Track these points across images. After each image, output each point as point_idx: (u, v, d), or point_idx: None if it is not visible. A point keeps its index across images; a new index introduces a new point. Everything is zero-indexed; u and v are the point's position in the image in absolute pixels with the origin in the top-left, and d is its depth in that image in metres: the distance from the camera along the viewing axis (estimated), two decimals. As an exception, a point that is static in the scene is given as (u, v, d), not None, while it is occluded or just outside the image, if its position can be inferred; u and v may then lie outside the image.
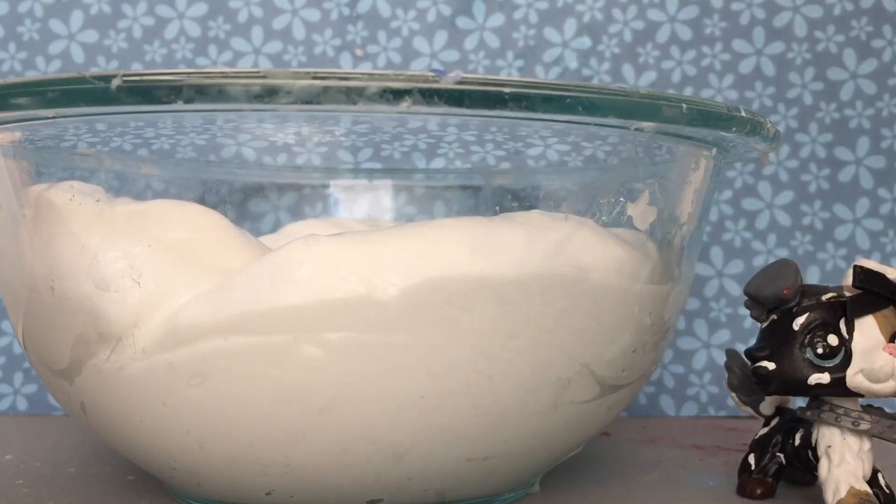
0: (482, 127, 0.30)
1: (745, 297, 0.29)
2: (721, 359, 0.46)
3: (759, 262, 0.46)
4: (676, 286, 0.29)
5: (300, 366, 0.23)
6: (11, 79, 0.26)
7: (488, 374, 0.24)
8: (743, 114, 0.26)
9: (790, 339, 0.27)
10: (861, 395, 0.27)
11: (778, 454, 0.30)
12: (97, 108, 0.22)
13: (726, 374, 0.32)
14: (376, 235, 0.24)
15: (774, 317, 0.28)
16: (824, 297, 0.27)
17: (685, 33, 0.46)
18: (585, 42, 0.46)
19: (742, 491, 0.30)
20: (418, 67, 0.46)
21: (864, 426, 0.27)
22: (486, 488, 0.27)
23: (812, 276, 0.46)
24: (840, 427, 0.28)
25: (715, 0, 0.46)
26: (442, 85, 0.21)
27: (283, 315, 0.23)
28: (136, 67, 0.46)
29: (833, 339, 0.27)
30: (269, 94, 0.21)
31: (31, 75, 0.46)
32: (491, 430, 0.25)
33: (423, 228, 0.25)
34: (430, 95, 0.21)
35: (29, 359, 0.29)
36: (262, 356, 0.23)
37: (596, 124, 0.24)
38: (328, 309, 0.23)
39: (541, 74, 0.46)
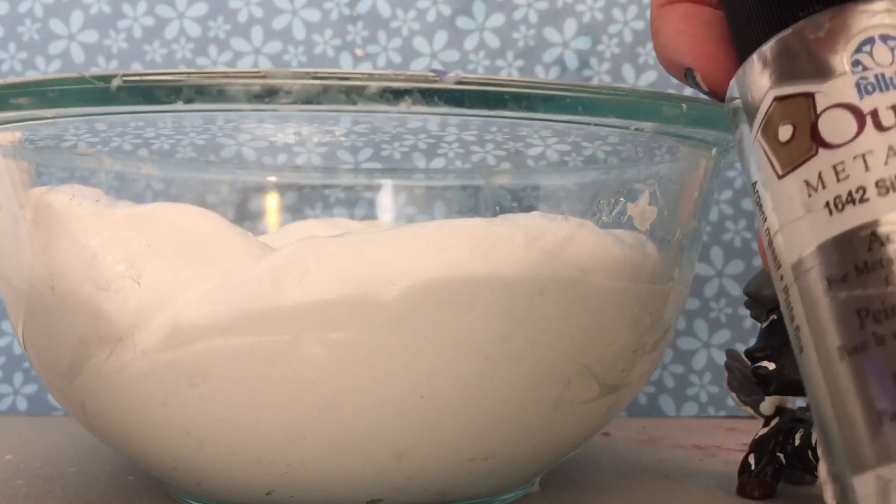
0: (482, 127, 0.30)
1: (745, 297, 0.29)
2: (721, 359, 0.46)
3: (759, 262, 0.46)
4: (676, 286, 0.29)
5: (300, 366, 0.23)
6: (11, 79, 0.26)
7: (488, 374, 0.24)
8: (743, 114, 0.26)
9: (790, 339, 0.27)
10: (861, 395, 0.27)
11: (778, 454, 0.30)
12: (97, 108, 0.22)
13: (726, 374, 0.32)
14: (376, 236, 0.24)
15: (774, 317, 0.28)
16: (824, 297, 0.27)
17: (685, 33, 0.46)
18: (585, 42, 0.46)
19: (742, 491, 0.30)
20: (418, 67, 0.46)
21: (864, 426, 0.27)
22: (486, 488, 0.27)
23: (812, 276, 0.46)
24: (840, 427, 0.28)
25: (715, 0, 0.46)
26: (442, 85, 0.21)
27: (284, 315, 0.23)
28: (136, 67, 0.46)
29: (833, 339, 0.27)
30: (269, 94, 0.21)
31: (31, 75, 0.46)
32: (491, 430, 0.25)
33: (424, 229, 0.25)
34: (430, 95, 0.21)
35: (29, 359, 0.29)
36: (262, 356, 0.23)
37: (596, 124, 0.24)
38: (328, 309, 0.23)
39: (541, 74, 0.46)
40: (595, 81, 0.46)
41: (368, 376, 0.24)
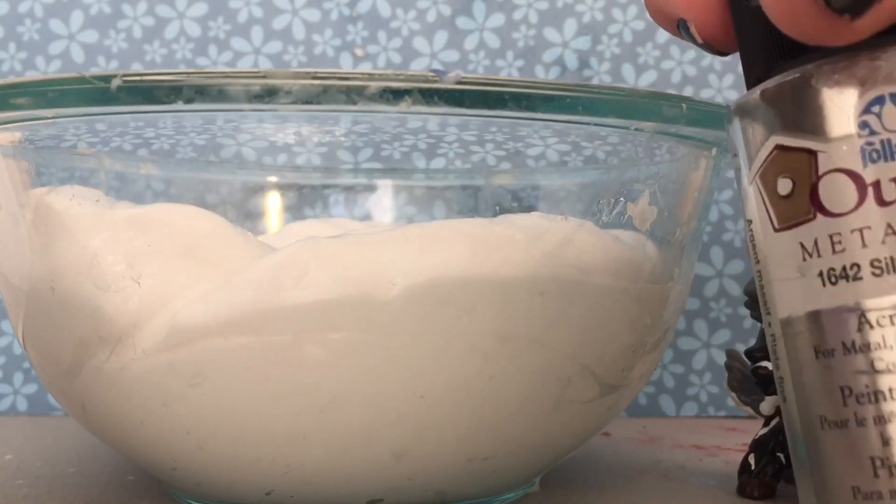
0: (482, 127, 0.30)
1: (745, 297, 0.29)
2: (721, 359, 0.46)
3: (759, 262, 0.46)
4: (676, 286, 0.29)
5: (300, 366, 0.23)
6: (11, 79, 0.26)
7: (488, 374, 0.24)
8: (743, 114, 0.26)
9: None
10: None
11: (778, 454, 0.30)
12: (97, 108, 0.22)
13: (726, 374, 0.32)
14: (376, 236, 0.24)
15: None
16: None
17: (685, 33, 0.46)
18: (585, 42, 0.46)
19: (742, 491, 0.30)
20: (418, 67, 0.46)
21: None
22: (486, 488, 0.27)
23: (812, 276, 0.46)
24: (840, 427, 0.28)
25: (715, 0, 0.46)
26: (442, 85, 0.21)
27: (284, 315, 0.23)
28: (136, 67, 0.46)
29: (833, 340, 0.27)
30: (269, 94, 0.21)
31: (31, 75, 0.46)
32: (491, 430, 0.25)
33: (424, 229, 0.25)
34: (430, 95, 0.21)
35: (29, 359, 0.29)
36: (262, 356, 0.23)
37: (596, 124, 0.24)
38: (328, 309, 0.23)
39: (541, 74, 0.46)
40: (595, 81, 0.46)
41: (368, 376, 0.24)
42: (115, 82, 0.21)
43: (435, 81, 0.21)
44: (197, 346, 0.24)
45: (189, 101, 0.21)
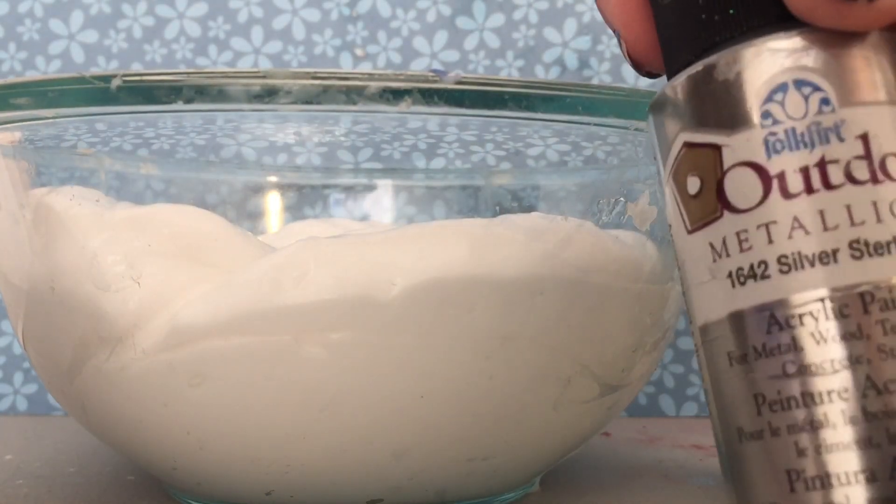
0: (482, 127, 0.30)
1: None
2: (721, 359, 0.46)
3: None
4: (676, 286, 0.29)
5: (300, 366, 0.23)
6: (11, 79, 0.26)
7: (488, 374, 0.24)
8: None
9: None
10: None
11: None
12: (97, 108, 0.22)
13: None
14: (376, 236, 0.24)
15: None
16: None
17: (685, 33, 0.46)
18: (585, 42, 0.46)
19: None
20: (418, 67, 0.46)
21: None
22: (487, 488, 0.27)
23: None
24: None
25: (715, 0, 0.46)
26: (442, 85, 0.21)
27: (284, 315, 0.23)
28: (136, 67, 0.46)
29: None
30: (269, 94, 0.21)
31: (31, 75, 0.46)
32: (491, 430, 0.25)
33: (424, 229, 0.25)
34: (430, 95, 0.21)
35: (29, 359, 0.29)
36: (262, 356, 0.23)
37: (596, 124, 0.24)
38: (328, 309, 0.23)
39: (541, 74, 0.46)
40: (595, 81, 0.46)
41: (368, 376, 0.24)
42: (115, 82, 0.21)
43: (435, 81, 0.21)
44: (197, 346, 0.24)
45: (189, 101, 0.21)
